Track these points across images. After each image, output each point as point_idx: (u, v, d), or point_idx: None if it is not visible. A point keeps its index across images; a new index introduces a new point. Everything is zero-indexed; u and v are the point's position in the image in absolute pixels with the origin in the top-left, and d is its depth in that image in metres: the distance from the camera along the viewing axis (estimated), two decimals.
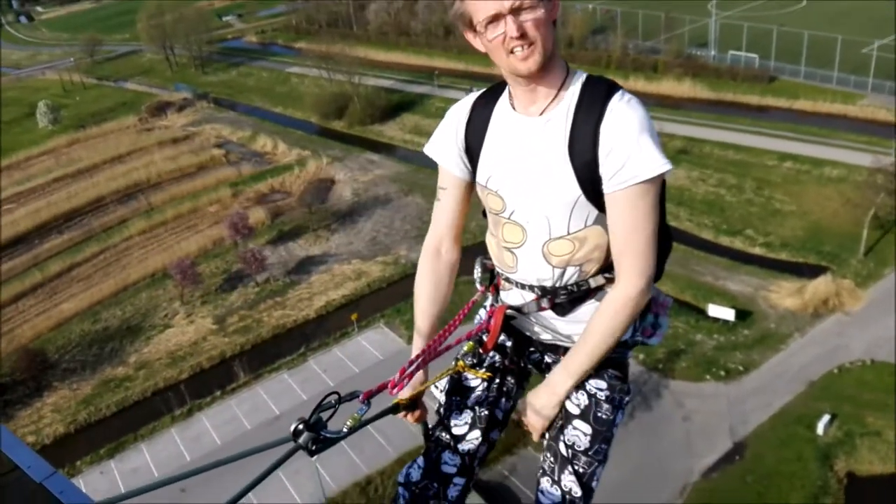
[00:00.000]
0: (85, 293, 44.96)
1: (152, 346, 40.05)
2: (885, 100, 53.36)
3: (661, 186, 2.35)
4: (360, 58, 70.28)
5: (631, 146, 2.21)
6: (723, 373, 33.04)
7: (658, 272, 2.55)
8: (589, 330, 2.42)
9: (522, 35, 2.16)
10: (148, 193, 56.61)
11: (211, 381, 36.59)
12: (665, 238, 2.52)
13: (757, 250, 41.64)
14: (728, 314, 35.69)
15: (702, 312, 36.57)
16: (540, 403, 2.54)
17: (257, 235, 48.47)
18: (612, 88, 2.31)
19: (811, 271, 38.40)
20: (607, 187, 2.26)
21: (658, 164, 2.22)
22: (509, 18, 2.15)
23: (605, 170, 2.24)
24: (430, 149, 2.66)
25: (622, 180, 2.23)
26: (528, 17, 2.16)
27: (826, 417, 29.69)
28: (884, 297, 36.27)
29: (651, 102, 57.32)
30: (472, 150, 2.52)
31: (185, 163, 60.83)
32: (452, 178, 2.62)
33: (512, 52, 2.20)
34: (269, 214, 51.33)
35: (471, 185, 2.62)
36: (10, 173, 63.39)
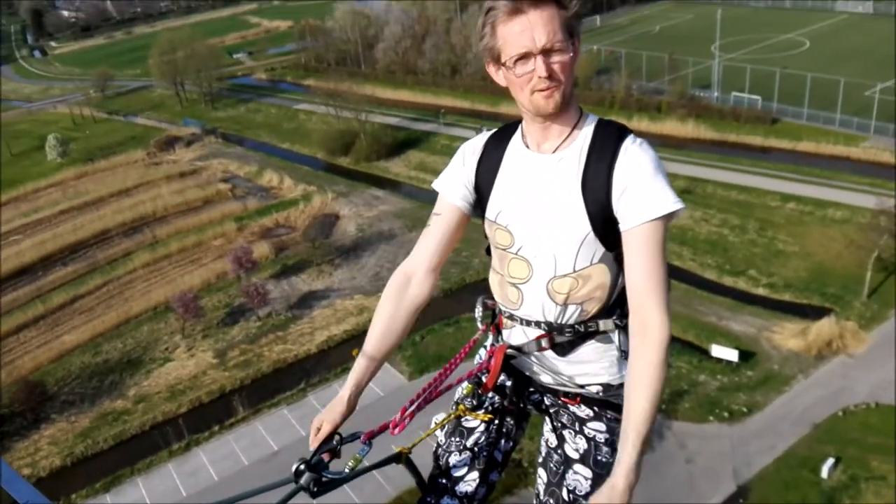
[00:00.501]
0: (87, 325, 44.97)
1: (152, 380, 39.90)
2: (888, 142, 53.61)
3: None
4: (368, 95, 71.28)
5: (645, 185, 2.27)
6: (726, 414, 32.69)
7: None
8: (636, 393, 2.19)
9: (550, 76, 2.23)
10: (153, 226, 56.94)
11: (210, 415, 36.35)
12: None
13: (760, 291, 41.49)
14: (731, 355, 35.44)
15: (705, 353, 36.32)
16: (618, 496, 2.12)
17: (261, 269, 48.57)
18: (624, 132, 2.39)
19: (815, 313, 38.20)
20: (623, 226, 2.30)
21: (671, 202, 2.26)
22: (539, 58, 2.21)
23: (619, 208, 2.29)
24: (438, 183, 2.68)
25: (637, 218, 2.27)
26: (556, 59, 2.23)
27: (830, 461, 29.25)
28: (887, 340, 35.99)
29: (655, 142, 55.90)
30: (483, 186, 2.55)
31: (191, 197, 61.31)
32: (451, 206, 2.62)
33: (536, 90, 2.27)
34: (274, 249, 51.52)
35: (465, 220, 2.64)
36: (18, 205, 63.97)
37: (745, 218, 48.16)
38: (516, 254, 2.47)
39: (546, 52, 2.21)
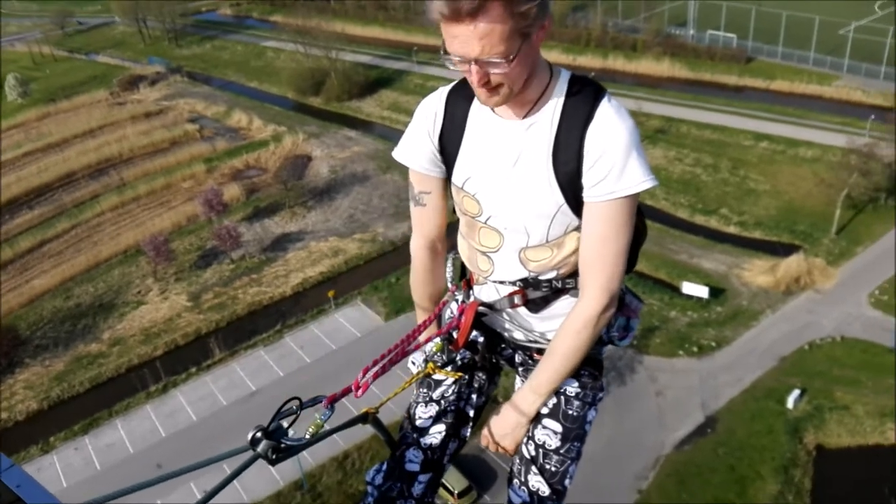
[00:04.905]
0: (56, 269, 44.27)
1: (126, 323, 39.62)
2: (861, 81, 53.94)
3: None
4: (338, 32, 69.38)
5: (617, 158, 2.12)
6: (695, 349, 33.49)
7: (632, 262, 2.51)
8: (552, 349, 2.37)
9: (486, 83, 2.04)
10: (120, 169, 55.65)
11: (186, 357, 36.33)
12: (639, 228, 2.48)
13: (731, 229, 42.10)
14: (702, 292, 36.11)
15: (676, 290, 36.96)
16: (505, 426, 2.51)
17: (232, 212, 47.96)
18: (599, 93, 2.19)
19: (784, 250, 38.95)
20: (587, 196, 2.18)
21: (641, 181, 2.14)
22: (474, 67, 2.01)
23: (587, 178, 2.16)
24: (402, 154, 2.51)
25: (603, 192, 2.15)
26: (494, 70, 2.02)
27: (796, 392, 30.26)
28: (854, 276, 36.93)
29: (630, 81, 57.51)
30: (448, 151, 2.39)
31: (157, 138, 59.82)
32: (433, 181, 2.50)
33: (476, 86, 2.08)
34: (245, 191, 50.78)
35: (449, 182, 2.52)
36: None
37: (717, 157, 48.47)
38: (485, 223, 2.38)
39: (482, 62, 1.99)
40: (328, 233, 45.80)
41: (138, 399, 34.06)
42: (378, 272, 40.24)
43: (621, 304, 2.56)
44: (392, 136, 55.24)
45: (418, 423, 2.59)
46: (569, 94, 2.19)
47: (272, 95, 67.76)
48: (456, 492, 26.58)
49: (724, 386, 31.42)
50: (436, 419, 2.59)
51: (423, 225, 2.61)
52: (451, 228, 2.69)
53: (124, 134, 60.38)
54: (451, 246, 2.70)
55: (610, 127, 2.13)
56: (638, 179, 2.14)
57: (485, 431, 2.57)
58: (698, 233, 41.72)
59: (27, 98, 70.27)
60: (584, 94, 2.18)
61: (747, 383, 31.42)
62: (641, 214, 2.45)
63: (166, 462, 28.75)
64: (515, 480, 2.56)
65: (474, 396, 2.68)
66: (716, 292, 36.62)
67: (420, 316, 2.74)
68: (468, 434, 2.67)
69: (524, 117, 2.21)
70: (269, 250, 44.50)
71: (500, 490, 26.63)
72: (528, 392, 2.42)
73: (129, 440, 31.85)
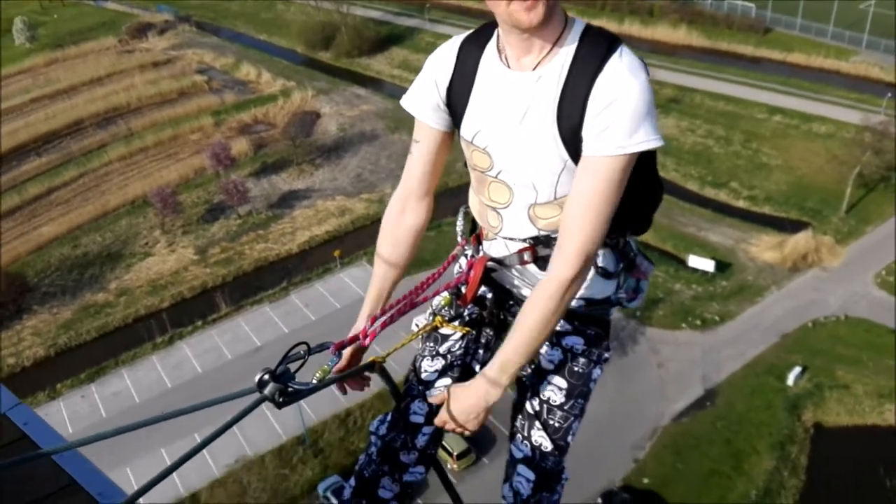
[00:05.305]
0: (64, 217, 44.32)
1: (133, 274, 39.82)
2: (879, 57, 53.09)
3: (652, 154, 2.22)
4: None
5: (621, 113, 2.01)
6: (699, 322, 33.64)
7: (646, 225, 2.49)
8: (519, 321, 2.21)
9: None
10: (128, 118, 55.26)
11: (192, 310, 36.60)
12: (655, 190, 2.44)
13: (741, 203, 41.92)
14: (708, 265, 36.13)
15: (682, 262, 36.98)
16: (467, 403, 2.29)
17: (240, 166, 47.77)
18: (613, 44, 2.07)
19: (792, 226, 38.83)
20: (584, 149, 2.09)
21: (642, 140, 2.03)
22: None
23: (587, 131, 2.07)
24: (407, 101, 2.47)
25: (600, 147, 2.05)
26: None
27: (797, 369, 30.47)
28: (862, 255, 36.87)
29: (645, 48, 56.57)
30: (457, 103, 2.32)
31: (165, 88, 59.21)
32: (429, 130, 2.42)
33: (514, 0, 1.99)
34: (252, 146, 50.49)
35: (448, 139, 2.47)
36: None
37: (730, 129, 48.01)
38: (496, 177, 2.32)
39: None
40: (335, 191, 45.68)
41: (144, 350, 34.44)
42: None
43: (632, 266, 2.54)
44: (401, 95, 53.81)
45: (424, 376, 2.60)
46: (581, 45, 2.10)
47: (281, 49, 66.86)
48: (455, 453, 27.01)
49: (726, 360, 31.64)
50: (441, 373, 2.59)
51: (406, 174, 2.53)
52: (439, 199, 2.62)
53: (132, 83, 59.77)
54: (433, 217, 2.59)
55: (619, 80, 2.03)
56: (640, 138, 2.02)
57: (442, 413, 2.35)
58: (707, 205, 41.56)
59: (35, 43, 69.42)
60: (597, 45, 2.08)
61: (749, 358, 31.64)
62: (657, 175, 2.42)
63: (171, 408, 29.17)
64: (518, 435, 2.58)
65: (481, 352, 2.68)
66: (722, 266, 36.63)
67: (376, 268, 2.58)
68: None
69: (534, 68, 2.15)
70: (276, 207, 44.46)
71: (498, 453, 26.97)
72: (493, 370, 2.24)
73: (134, 390, 32.29)
